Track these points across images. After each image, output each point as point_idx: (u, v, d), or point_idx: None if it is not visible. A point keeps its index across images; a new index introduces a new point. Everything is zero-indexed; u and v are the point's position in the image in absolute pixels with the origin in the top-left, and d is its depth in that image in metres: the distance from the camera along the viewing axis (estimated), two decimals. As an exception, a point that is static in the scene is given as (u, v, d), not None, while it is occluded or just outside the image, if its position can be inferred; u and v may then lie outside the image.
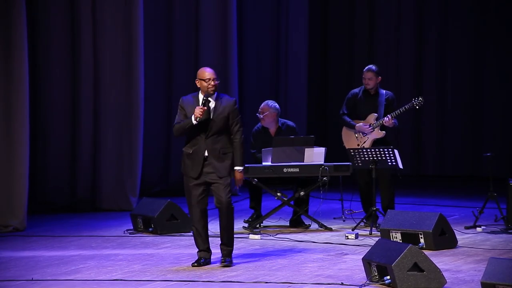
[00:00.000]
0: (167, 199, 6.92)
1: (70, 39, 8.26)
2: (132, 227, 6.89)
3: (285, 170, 6.80)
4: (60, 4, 8.22)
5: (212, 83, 5.25)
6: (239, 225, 7.13)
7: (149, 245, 6.24)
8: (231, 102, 5.36)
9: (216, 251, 5.95)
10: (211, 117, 5.29)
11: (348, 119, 7.11)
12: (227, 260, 5.39)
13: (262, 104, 7.12)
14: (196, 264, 5.38)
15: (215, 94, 5.32)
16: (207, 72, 5.30)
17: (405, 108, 6.91)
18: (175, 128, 5.34)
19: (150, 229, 6.72)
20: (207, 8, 9.29)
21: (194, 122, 5.23)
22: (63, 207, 8.17)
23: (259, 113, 7.08)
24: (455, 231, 6.15)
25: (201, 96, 5.32)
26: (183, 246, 6.23)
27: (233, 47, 9.34)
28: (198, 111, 5.22)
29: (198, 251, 5.45)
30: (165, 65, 9.54)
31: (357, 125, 7.05)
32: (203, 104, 5.28)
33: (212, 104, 5.31)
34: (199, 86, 5.34)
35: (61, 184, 8.29)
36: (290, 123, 7.22)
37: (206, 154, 5.31)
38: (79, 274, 5.23)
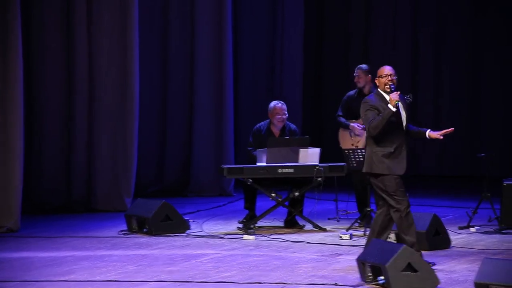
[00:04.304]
0: (162, 199, 6.91)
1: (65, 41, 8.23)
2: (126, 228, 6.88)
3: (279, 170, 6.80)
4: (56, 6, 8.21)
5: (390, 77, 5.27)
6: (233, 226, 7.13)
7: (143, 246, 6.23)
8: (403, 97, 5.37)
9: (210, 251, 5.95)
10: (401, 112, 5.27)
11: (343, 120, 7.13)
12: None
13: (283, 105, 7.06)
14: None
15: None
16: (386, 69, 5.33)
17: None
18: (373, 125, 5.17)
19: (145, 229, 6.71)
20: (202, 10, 9.29)
21: (394, 109, 5.16)
22: (58, 208, 8.15)
23: (280, 114, 7.03)
24: (449, 231, 6.16)
25: (383, 94, 5.28)
26: (177, 246, 6.22)
27: (228, 48, 9.35)
28: (394, 96, 5.18)
29: (415, 242, 5.19)
30: (160, 65, 9.54)
31: (351, 124, 7.06)
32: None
33: (399, 102, 5.25)
34: (378, 84, 5.34)
35: (55, 184, 8.27)
36: (293, 126, 7.23)
37: (406, 151, 5.26)
38: (73, 275, 5.22)
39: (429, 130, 5.35)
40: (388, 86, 5.23)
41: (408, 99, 6.86)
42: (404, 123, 5.27)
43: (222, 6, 9.28)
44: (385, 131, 5.18)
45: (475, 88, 10.44)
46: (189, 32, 9.40)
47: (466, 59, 10.42)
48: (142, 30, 8.55)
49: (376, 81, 5.33)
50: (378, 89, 5.31)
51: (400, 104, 5.25)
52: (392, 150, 5.20)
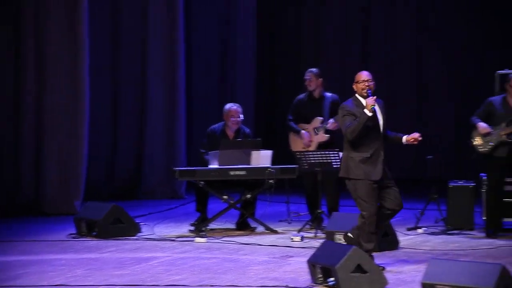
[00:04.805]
0: (112, 202, 6.83)
1: (12, 38, 8.08)
2: (75, 231, 6.78)
3: (231, 173, 6.81)
4: (3, 7, 8.06)
5: (367, 83, 5.30)
6: (185, 228, 7.11)
7: (92, 250, 6.15)
8: (382, 102, 5.42)
9: (161, 254, 5.91)
10: (379, 117, 5.31)
11: (294, 125, 7.18)
12: None
13: (239, 108, 7.08)
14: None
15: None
16: (363, 75, 5.36)
17: None
18: (350, 130, 5.23)
19: (94, 233, 6.63)
20: (155, 10, 9.24)
21: (369, 114, 5.20)
22: (5, 211, 7.96)
23: (235, 117, 7.04)
24: (397, 232, 6.27)
25: (361, 99, 5.31)
26: (128, 250, 6.16)
27: (181, 50, 9.33)
28: (370, 101, 5.23)
29: (371, 250, 5.23)
30: (112, 66, 9.43)
31: (302, 132, 7.11)
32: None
33: (376, 107, 5.32)
34: (355, 89, 5.37)
35: (3, 187, 8.09)
36: (247, 129, 7.25)
37: (383, 156, 5.29)
38: (20, 280, 5.11)
39: (405, 136, 5.43)
40: (365, 91, 5.29)
41: None
42: (382, 128, 5.33)
43: (174, 8, 9.26)
44: (362, 136, 5.24)
45: (421, 91, 10.66)
46: (142, 31, 9.34)
47: (414, 62, 10.60)
48: (93, 29, 8.46)
49: (354, 86, 5.39)
50: (356, 95, 5.36)
51: (377, 109, 5.32)
52: (369, 155, 5.26)
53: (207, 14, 10.29)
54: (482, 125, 6.56)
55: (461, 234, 6.67)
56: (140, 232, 6.77)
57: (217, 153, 6.82)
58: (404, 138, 5.42)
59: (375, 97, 5.28)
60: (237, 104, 7.16)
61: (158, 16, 9.29)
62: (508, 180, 6.64)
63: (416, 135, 5.37)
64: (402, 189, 11.15)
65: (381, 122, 5.33)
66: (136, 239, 6.57)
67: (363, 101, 5.29)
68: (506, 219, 6.71)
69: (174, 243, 6.41)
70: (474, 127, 6.61)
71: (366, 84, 5.31)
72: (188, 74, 9.84)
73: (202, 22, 10.26)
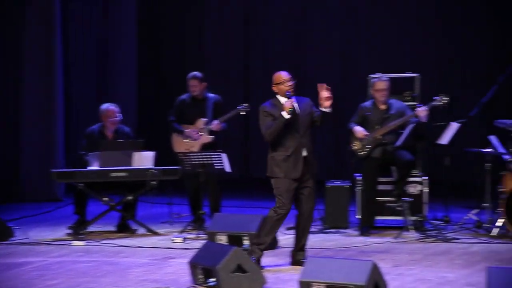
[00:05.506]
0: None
1: None
2: None
3: (112, 174, 6.68)
4: None
5: (290, 83, 5.35)
6: (62, 232, 6.87)
7: (-40, 256, 5.81)
8: (308, 100, 5.44)
9: (35, 259, 5.67)
10: (299, 115, 5.33)
11: (177, 125, 7.15)
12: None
13: (116, 107, 6.95)
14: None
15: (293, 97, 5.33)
16: (283, 74, 5.40)
17: (231, 114, 7.08)
18: (269, 131, 5.31)
19: (-37, 238, 6.27)
20: (31, 16, 8.93)
21: (287, 116, 5.25)
22: None
23: (112, 117, 6.90)
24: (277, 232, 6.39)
25: (281, 99, 5.35)
26: None
27: (58, 50, 9.05)
28: (287, 104, 5.27)
29: (265, 244, 5.38)
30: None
31: (186, 130, 7.11)
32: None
33: (296, 104, 5.32)
34: (277, 91, 5.39)
35: None
36: (127, 128, 7.12)
37: (304, 153, 5.33)
38: None
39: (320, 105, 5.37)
40: (288, 93, 5.31)
41: (244, 108, 6.98)
42: (302, 127, 5.35)
43: (51, 5, 8.97)
44: (281, 136, 5.33)
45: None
46: (17, 32, 8.96)
47: (291, 66, 10.86)
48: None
49: (275, 88, 5.41)
50: (277, 96, 5.41)
51: (298, 107, 5.35)
52: (289, 154, 5.35)
53: (86, 12, 10.03)
54: (358, 129, 6.85)
55: (337, 233, 6.90)
56: (13, 236, 6.47)
57: (97, 154, 6.66)
58: (321, 109, 5.36)
59: (292, 99, 5.33)
60: (114, 104, 7.05)
61: (34, 16, 8.95)
62: (381, 180, 6.96)
63: (324, 94, 5.26)
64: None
65: (301, 121, 5.37)
66: (9, 244, 6.28)
67: (283, 101, 5.37)
68: (378, 218, 7.03)
69: (50, 247, 6.19)
70: (351, 132, 6.88)
71: (288, 84, 5.36)
72: (67, 73, 9.55)
73: (81, 20, 9.98)
